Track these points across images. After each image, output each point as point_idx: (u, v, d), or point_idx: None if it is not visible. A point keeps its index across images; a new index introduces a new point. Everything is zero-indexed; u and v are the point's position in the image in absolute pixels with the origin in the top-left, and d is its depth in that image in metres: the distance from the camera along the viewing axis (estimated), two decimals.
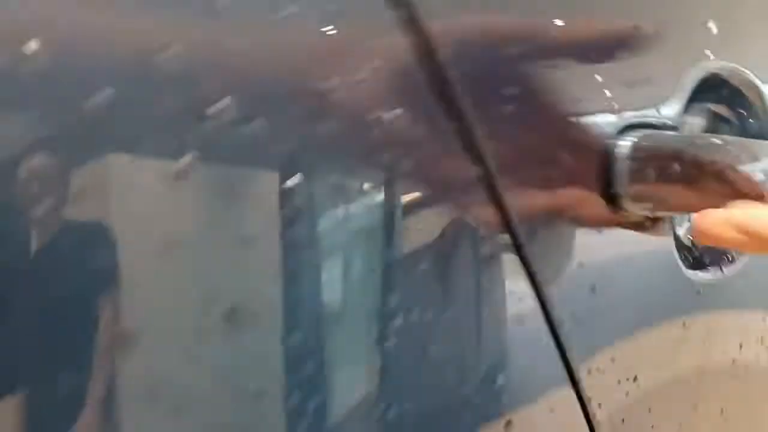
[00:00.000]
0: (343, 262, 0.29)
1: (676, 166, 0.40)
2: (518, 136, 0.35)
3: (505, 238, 0.35)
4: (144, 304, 0.22)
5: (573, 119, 0.38)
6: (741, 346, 0.53)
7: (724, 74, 0.47)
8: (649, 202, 0.39)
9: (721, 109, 0.47)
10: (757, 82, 0.48)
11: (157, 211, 0.23)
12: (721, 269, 0.49)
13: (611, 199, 0.39)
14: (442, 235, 0.33)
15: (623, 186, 0.38)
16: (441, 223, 0.33)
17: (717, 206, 0.42)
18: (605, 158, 0.38)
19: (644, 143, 0.39)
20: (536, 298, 0.37)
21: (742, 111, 0.48)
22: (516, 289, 0.37)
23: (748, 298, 0.52)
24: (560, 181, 0.38)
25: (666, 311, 0.47)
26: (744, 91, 0.48)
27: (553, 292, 0.37)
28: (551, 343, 0.38)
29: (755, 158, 0.46)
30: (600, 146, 0.38)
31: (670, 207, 0.40)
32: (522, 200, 0.35)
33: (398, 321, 0.30)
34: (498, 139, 0.33)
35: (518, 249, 0.35)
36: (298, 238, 0.27)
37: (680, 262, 0.46)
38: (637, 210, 0.39)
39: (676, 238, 0.46)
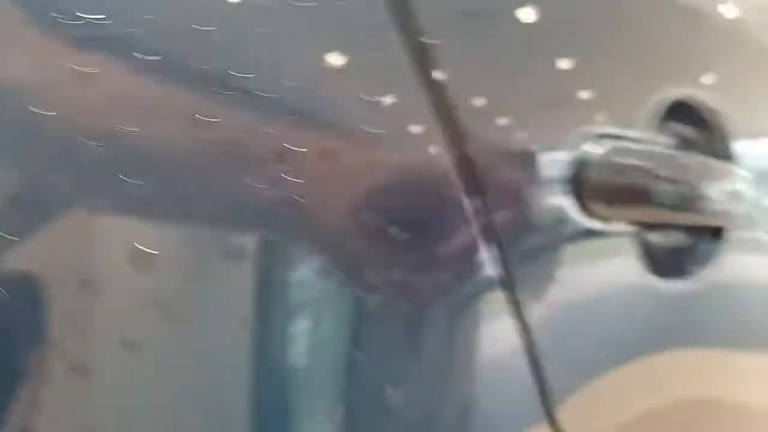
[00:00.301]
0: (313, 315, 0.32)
1: (641, 176, 0.45)
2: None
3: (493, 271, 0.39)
4: None
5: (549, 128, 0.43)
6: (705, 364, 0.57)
7: (691, 101, 0.52)
8: (614, 206, 0.44)
9: (689, 132, 0.52)
10: (720, 108, 0.53)
11: None
12: (688, 277, 0.53)
13: (581, 202, 0.43)
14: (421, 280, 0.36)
15: (591, 190, 0.43)
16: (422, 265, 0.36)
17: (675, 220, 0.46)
18: (577, 163, 0.43)
19: (613, 152, 0.44)
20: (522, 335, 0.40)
21: (709, 135, 0.53)
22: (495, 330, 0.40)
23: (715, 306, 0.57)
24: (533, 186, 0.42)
25: (633, 321, 0.51)
26: (710, 117, 0.53)
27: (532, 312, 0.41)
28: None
29: (716, 178, 0.51)
30: (573, 153, 0.43)
31: (632, 213, 0.45)
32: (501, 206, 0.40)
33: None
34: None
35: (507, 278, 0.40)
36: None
37: (647, 268, 0.50)
38: (603, 213, 0.44)
39: (645, 244, 0.50)
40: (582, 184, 0.43)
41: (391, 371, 0.35)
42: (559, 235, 0.43)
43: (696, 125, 0.53)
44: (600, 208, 0.43)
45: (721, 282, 0.56)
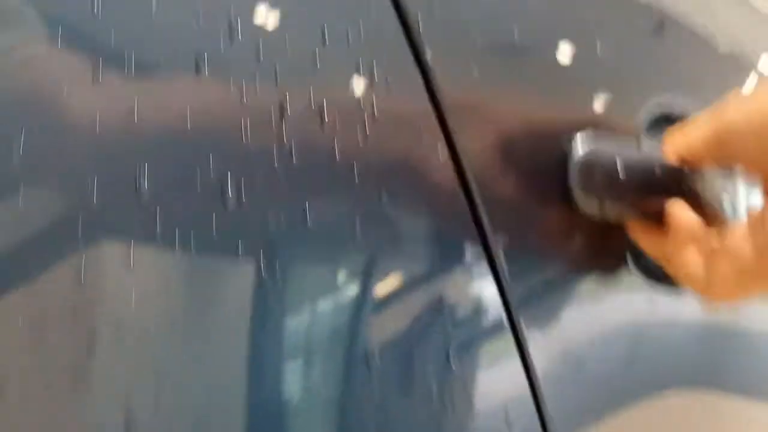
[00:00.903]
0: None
1: (623, 169, 0.43)
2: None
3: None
4: None
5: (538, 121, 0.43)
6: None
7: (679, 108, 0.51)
8: (596, 197, 0.43)
9: None
10: None
11: None
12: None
13: (566, 193, 0.43)
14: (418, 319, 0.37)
15: (575, 181, 0.42)
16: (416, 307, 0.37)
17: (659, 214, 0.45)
18: (563, 155, 0.43)
19: (598, 144, 0.43)
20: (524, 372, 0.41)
21: None
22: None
23: None
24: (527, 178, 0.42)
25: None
26: None
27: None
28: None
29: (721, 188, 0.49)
30: (559, 145, 0.43)
31: (615, 207, 0.43)
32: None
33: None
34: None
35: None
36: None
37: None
38: (586, 206, 0.43)
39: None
40: (566, 174, 0.43)
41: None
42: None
43: None
44: (579, 196, 0.43)
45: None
